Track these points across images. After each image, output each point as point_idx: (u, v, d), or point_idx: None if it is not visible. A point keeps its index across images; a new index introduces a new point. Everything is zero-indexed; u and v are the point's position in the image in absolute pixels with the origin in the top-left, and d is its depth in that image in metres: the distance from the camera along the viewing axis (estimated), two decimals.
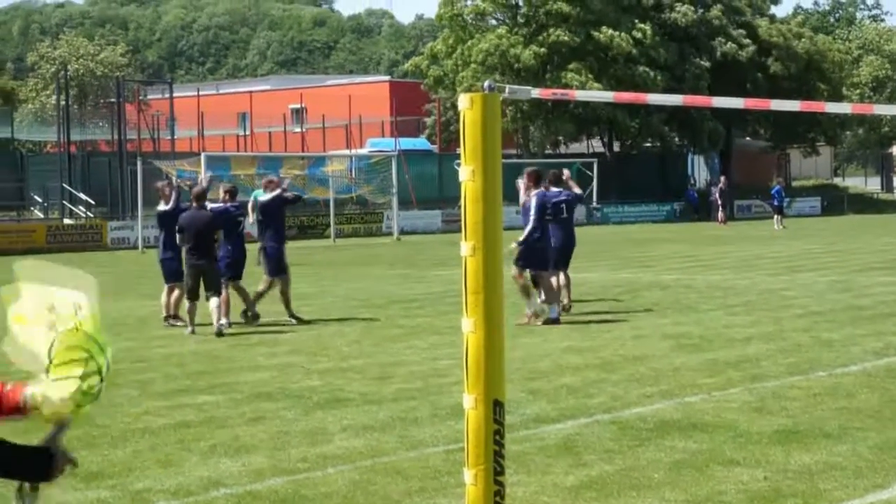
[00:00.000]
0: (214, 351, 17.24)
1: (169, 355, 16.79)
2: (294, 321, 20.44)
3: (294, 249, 37.37)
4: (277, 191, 21.06)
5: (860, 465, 9.70)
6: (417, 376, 14.60)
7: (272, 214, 21.09)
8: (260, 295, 20.60)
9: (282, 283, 20.60)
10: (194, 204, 19.79)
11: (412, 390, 13.58)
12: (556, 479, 9.44)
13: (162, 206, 20.95)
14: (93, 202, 56.75)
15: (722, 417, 11.64)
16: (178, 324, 20.12)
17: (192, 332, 19.19)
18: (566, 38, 69.00)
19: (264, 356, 16.62)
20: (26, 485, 4.28)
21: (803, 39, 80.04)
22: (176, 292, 20.44)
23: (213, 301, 19.12)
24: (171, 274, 20.59)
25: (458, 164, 6.26)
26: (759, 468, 9.63)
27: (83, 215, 55.78)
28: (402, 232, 53.98)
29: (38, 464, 4.25)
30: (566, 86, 65.23)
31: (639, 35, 70.76)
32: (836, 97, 79.12)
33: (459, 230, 6.34)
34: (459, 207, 6.39)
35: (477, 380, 6.14)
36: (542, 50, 69.30)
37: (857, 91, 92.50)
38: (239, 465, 10.07)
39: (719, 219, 64.15)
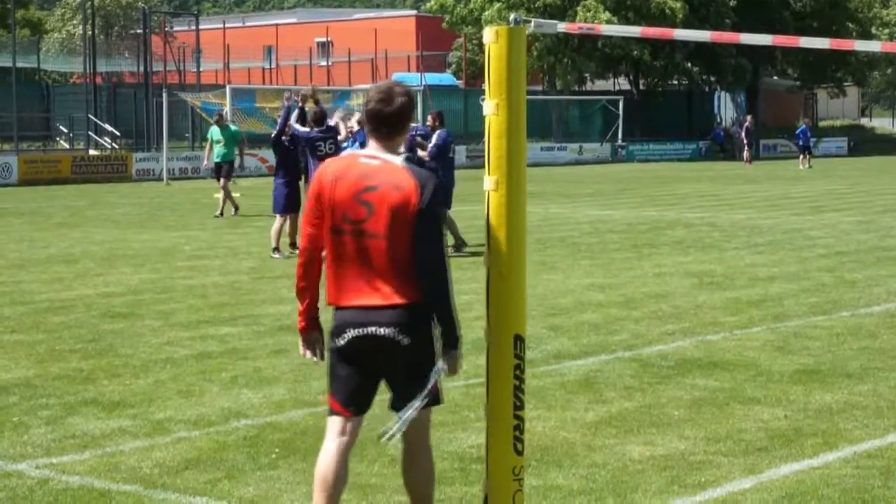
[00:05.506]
0: (237, 283, 17.28)
1: (192, 286, 16.83)
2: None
3: None
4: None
5: (881, 405, 9.70)
6: None
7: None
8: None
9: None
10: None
11: None
12: (575, 414, 9.46)
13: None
14: (118, 133, 56.80)
15: (743, 356, 11.64)
16: None
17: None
18: None
19: (287, 288, 16.61)
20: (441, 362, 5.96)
21: None
22: None
23: None
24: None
25: (483, 100, 6.23)
26: (780, 407, 9.64)
27: (108, 146, 55.78)
28: None
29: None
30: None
31: None
32: (865, 37, 78.29)
33: (483, 166, 6.32)
34: (483, 143, 6.36)
35: (498, 315, 6.13)
36: None
37: (886, 31, 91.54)
38: (260, 396, 10.12)
39: (745, 158, 63.77)
